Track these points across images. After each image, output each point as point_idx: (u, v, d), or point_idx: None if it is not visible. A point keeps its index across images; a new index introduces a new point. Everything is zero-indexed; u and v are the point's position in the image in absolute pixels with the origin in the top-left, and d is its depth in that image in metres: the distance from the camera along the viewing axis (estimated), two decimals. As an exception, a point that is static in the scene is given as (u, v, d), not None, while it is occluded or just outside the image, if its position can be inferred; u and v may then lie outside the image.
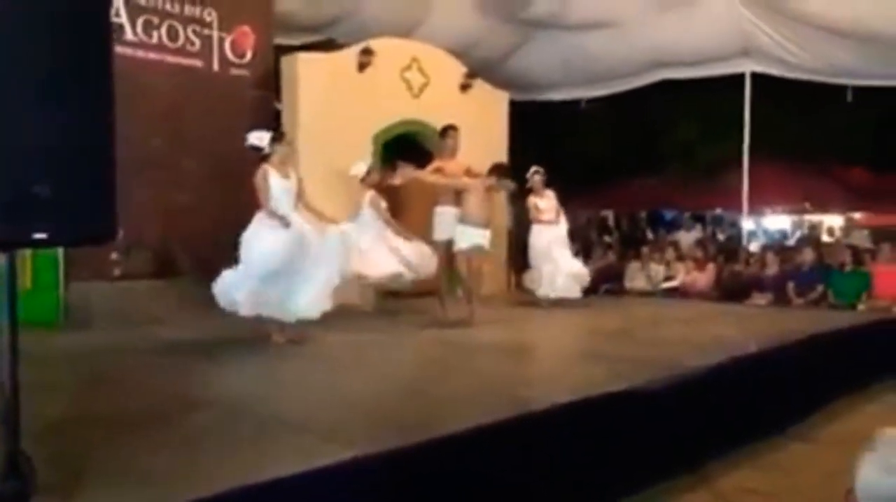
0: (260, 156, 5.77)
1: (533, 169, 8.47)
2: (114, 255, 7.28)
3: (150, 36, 7.71)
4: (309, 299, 5.66)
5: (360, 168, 7.39)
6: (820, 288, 8.87)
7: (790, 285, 9.03)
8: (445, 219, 7.18)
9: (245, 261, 5.56)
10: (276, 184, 5.65)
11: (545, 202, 8.38)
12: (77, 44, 2.21)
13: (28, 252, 6.19)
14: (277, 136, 5.89)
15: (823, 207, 15.83)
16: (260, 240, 5.54)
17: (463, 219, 6.89)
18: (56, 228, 2.14)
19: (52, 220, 2.12)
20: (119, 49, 6.98)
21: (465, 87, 9.76)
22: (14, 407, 2.24)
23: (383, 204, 7.30)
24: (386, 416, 3.81)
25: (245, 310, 5.53)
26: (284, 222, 5.51)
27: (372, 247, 7.00)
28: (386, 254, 7.08)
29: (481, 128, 9.04)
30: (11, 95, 2.07)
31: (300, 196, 5.84)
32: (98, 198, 2.22)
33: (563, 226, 8.45)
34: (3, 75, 2.06)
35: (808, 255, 9.37)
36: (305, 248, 5.63)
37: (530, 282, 8.46)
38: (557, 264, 8.25)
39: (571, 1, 10.49)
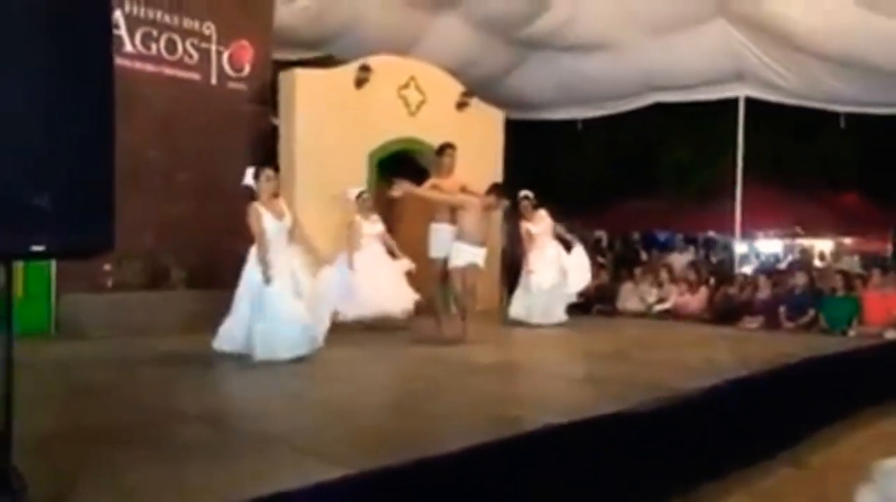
0: (250, 194, 5.75)
1: (521, 194, 8.50)
2: (106, 266, 7.27)
3: (149, 48, 7.74)
4: (292, 341, 5.64)
5: (353, 193, 7.68)
6: (811, 312, 8.88)
7: (782, 309, 9.05)
8: (441, 236, 7.18)
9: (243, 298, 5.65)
10: (270, 227, 5.62)
11: (537, 226, 8.41)
12: (78, 58, 2.21)
13: (20, 262, 6.16)
14: (257, 172, 5.76)
15: (814, 232, 15.92)
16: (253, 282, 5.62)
17: (459, 237, 6.90)
18: (54, 240, 2.14)
19: (50, 232, 2.11)
20: (118, 61, 6.98)
21: (461, 106, 9.81)
22: (7, 423, 2.23)
23: (366, 229, 7.54)
24: (376, 434, 3.79)
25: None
26: (267, 277, 5.50)
27: (360, 284, 7.16)
28: (369, 294, 7.20)
29: (477, 147, 9.08)
30: (12, 108, 2.07)
31: (293, 232, 5.80)
32: (96, 210, 2.22)
33: (555, 246, 8.48)
34: (4, 88, 2.06)
35: (800, 279, 9.39)
36: (295, 290, 5.65)
37: (521, 310, 8.41)
38: (553, 293, 8.32)
39: (568, 23, 10.58)
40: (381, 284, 7.36)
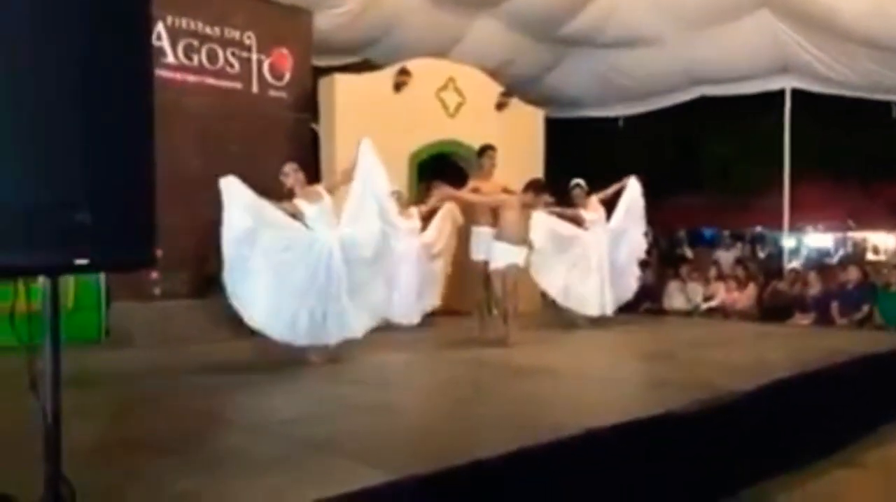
0: (289, 194, 5.86)
1: (573, 182, 8.38)
2: (153, 275, 7.39)
3: (191, 59, 7.87)
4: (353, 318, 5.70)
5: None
6: (865, 308, 8.65)
7: (834, 305, 8.83)
8: (482, 238, 7.16)
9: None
10: (308, 211, 5.68)
11: (592, 214, 8.26)
12: (117, 69, 2.24)
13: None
14: (282, 171, 5.93)
15: (868, 225, 15.50)
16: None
17: (499, 237, 6.86)
18: (97, 254, 2.17)
19: (93, 247, 2.15)
20: (159, 72, 7.14)
21: (500, 106, 9.78)
22: (56, 434, 2.27)
23: (401, 224, 7.32)
24: (419, 439, 3.78)
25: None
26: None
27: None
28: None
29: (517, 147, 9.04)
30: (55, 125, 2.11)
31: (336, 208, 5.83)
32: (137, 224, 2.25)
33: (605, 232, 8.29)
34: (47, 105, 2.10)
35: (852, 274, 9.14)
36: (346, 262, 5.64)
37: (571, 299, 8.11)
38: (605, 278, 8.11)
39: (607, 18, 10.47)
40: (398, 287, 7.26)
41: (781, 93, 11.34)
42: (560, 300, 8.06)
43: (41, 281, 2.29)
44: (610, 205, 8.48)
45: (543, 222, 7.69)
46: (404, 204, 7.72)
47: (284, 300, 5.48)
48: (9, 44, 2.03)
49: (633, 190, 8.52)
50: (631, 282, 8.52)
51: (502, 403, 4.64)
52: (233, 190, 5.46)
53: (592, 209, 8.27)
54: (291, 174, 5.89)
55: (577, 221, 8.19)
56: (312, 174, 7.11)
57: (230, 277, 5.42)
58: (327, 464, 3.23)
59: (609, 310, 8.12)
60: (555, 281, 7.94)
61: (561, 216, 8.05)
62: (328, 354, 5.75)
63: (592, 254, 8.07)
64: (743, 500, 4.36)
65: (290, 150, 8.30)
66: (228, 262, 5.40)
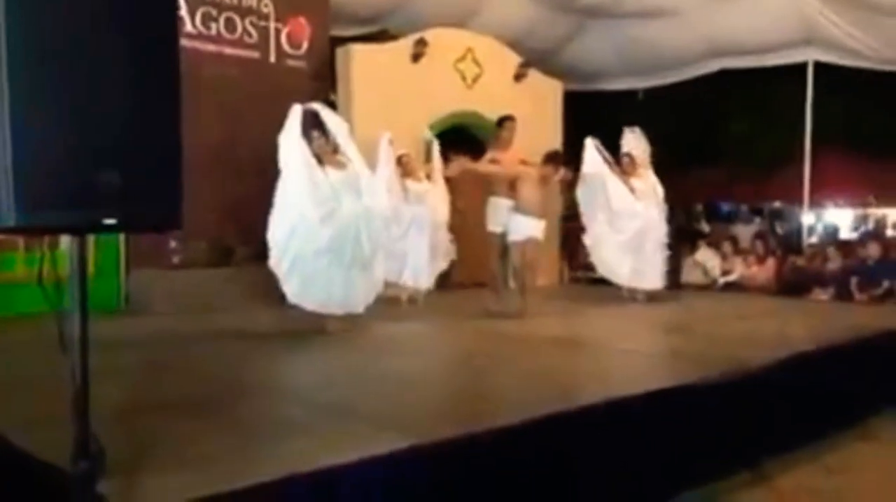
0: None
1: (623, 151, 8.33)
2: (172, 243, 7.44)
3: (209, 28, 7.84)
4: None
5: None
6: (886, 283, 8.58)
7: (854, 280, 8.76)
8: (500, 210, 7.13)
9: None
10: (334, 178, 5.67)
11: (643, 182, 8.18)
12: (144, 33, 2.24)
13: (91, 239, 6.38)
14: (310, 138, 5.84)
15: (889, 201, 15.31)
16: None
17: (517, 209, 6.83)
18: (125, 215, 2.19)
19: (120, 207, 2.16)
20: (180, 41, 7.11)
21: (519, 77, 9.70)
22: (84, 392, 2.30)
23: (411, 187, 7.63)
24: (438, 406, 3.81)
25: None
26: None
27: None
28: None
29: (536, 119, 8.97)
30: (81, 85, 2.11)
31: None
32: (165, 186, 2.26)
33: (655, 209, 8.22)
34: (72, 68, 2.10)
35: (872, 250, 9.06)
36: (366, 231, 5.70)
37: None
38: (645, 256, 8.06)
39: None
40: (410, 251, 7.44)
41: (804, 65, 11.16)
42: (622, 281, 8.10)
43: (64, 246, 2.32)
44: None
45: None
46: (413, 168, 7.71)
47: (317, 270, 5.57)
48: (40, 5, 2.03)
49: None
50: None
51: (518, 372, 4.66)
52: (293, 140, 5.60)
53: (643, 176, 8.20)
54: (315, 140, 5.84)
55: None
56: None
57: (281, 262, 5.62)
58: (349, 429, 3.26)
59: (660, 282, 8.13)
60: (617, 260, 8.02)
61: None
62: (344, 324, 5.78)
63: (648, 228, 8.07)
64: (764, 470, 4.36)
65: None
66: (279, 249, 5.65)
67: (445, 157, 7.87)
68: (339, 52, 8.48)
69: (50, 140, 2.05)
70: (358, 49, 8.42)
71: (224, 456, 2.83)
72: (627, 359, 5.26)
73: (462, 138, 8.89)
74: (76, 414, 2.31)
